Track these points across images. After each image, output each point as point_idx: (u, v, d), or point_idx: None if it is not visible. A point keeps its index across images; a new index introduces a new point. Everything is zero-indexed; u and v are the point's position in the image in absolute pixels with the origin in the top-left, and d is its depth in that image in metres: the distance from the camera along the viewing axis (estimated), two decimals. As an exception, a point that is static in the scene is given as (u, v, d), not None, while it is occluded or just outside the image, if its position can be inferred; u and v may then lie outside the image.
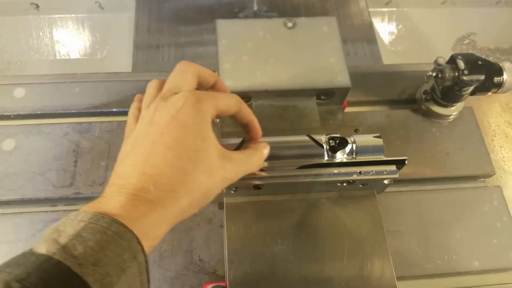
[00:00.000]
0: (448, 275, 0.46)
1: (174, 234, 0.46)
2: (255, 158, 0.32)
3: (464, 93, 0.51)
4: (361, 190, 0.38)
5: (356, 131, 0.38)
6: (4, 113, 0.51)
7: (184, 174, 0.26)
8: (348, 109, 0.52)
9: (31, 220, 0.45)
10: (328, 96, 0.45)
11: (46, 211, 0.46)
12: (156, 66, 0.78)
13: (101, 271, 0.21)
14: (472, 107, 0.58)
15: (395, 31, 1.06)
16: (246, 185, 0.35)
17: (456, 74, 0.49)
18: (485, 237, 0.48)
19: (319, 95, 0.44)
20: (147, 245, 0.24)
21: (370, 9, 0.90)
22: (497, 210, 0.50)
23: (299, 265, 0.35)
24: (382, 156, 0.36)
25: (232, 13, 0.82)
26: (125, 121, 0.53)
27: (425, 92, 0.56)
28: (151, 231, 0.25)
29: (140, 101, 0.33)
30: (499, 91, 0.52)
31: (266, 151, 0.33)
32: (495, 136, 0.59)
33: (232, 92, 0.43)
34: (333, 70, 0.43)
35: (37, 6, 0.91)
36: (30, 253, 0.21)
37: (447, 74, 0.50)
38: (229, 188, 0.35)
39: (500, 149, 0.58)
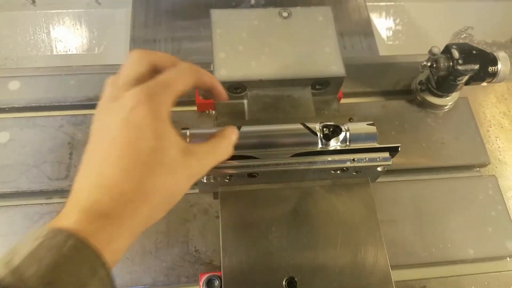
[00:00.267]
0: (443, 264, 0.46)
1: (170, 226, 0.46)
2: (222, 147, 0.31)
3: (458, 82, 0.51)
4: (354, 178, 0.38)
5: (350, 120, 0.38)
6: (-1, 106, 0.51)
7: (140, 181, 0.24)
8: (343, 100, 0.52)
9: (26, 213, 0.45)
10: (323, 85, 0.45)
11: (41, 204, 0.46)
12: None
13: None
14: (467, 97, 0.58)
15: (393, 25, 1.06)
16: (240, 173, 0.35)
17: (451, 63, 0.49)
18: (480, 226, 0.48)
19: (314, 84, 0.44)
20: (110, 258, 0.23)
21: (367, 3, 0.90)
22: (492, 199, 0.50)
23: (293, 252, 0.35)
24: (375, 144, 0.36)
25: (229, 8, 0.82)
26: None
27: (420, 83, 0.56)
28: (112, 244, 0.23)
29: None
30: (493, 80, 0.52)
31: (234, 136, 0.32)
32: (491, 127, 0.59)
33: (227, 82, 0.44)
34: (327, 60, 0.43)
35: (34, 2, 0.90)
36: None
37: (441, 64, 0.50)
38: (223, 176, 0.35)
39: (496, 140, 0.58)
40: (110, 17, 0.93)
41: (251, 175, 0.35)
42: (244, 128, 0.36)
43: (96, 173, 0.25)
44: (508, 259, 0.48)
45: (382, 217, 0.45)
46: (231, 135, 0.32)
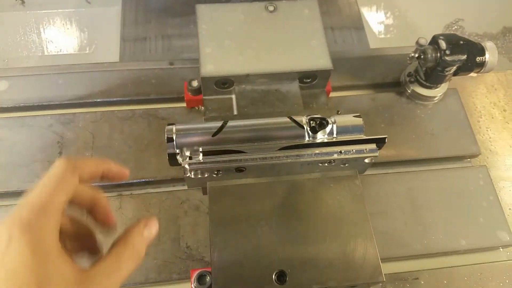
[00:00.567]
0: (436, 255, 0.46)
1: (161, 223, 0.46)
2: (129, 259, 0.25)
3: (447, 73, 0.51)
4: (343, 170, 0.38)
5: (338, 112, 0.38)
6: (-13, 107, 0.51)
7: None
8: (333, 94, 0.52)
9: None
10: (311, 79, 0.45)
11: (32, 204, 0.46)
12: (143, 57, 0.77)
13: None
14: (456, 88, 0.58)
15: (384, 19, 1.05)
16: (228, 168, 0.35)
17: (438, 54, 0.49)
18: (472, 217, 0.48)
19: (302, 78, 0.44)
20: None
21: (358, -3, 0.89)
22: (483, 189, 0.50)
23: (282, 246, 0.35)
24: (362, 136, 0.36)
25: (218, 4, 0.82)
26: (109, 111, 0.54)
27: (409, 75, 0.56)
28: None
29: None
30: (481, 70, 0.52)
31: (147, 235, 0.26)
32: (481, 117, 0.59)
33: (214, 77, 0.43)
34: (314, 53, 0.43)
35: (23, 2, 0.89)
36: None
37: (429, 55, 0.50)
38: (211, 171, 0.35)
39: (486, 130, 0.58)
40: (100, 16, 0.92)
41: (239, 170, 0.35)
42: (231, 123, 0.35)
43: None
44: (501, 249, 0.48)
45: (373, 209, 0.46)
46: (140, 239, 0.26)
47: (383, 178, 0.50)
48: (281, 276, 0.34)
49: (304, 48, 0.44)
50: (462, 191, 0.50)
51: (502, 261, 0.47)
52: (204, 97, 0.45)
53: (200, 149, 0.34)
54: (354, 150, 0.35)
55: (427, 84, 0.54)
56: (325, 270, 0.34)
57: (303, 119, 0.36)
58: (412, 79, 0.55)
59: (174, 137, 0.34)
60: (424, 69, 0.53)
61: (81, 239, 0.27)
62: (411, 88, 0.55)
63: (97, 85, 0.53)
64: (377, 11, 1.04)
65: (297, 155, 0.35)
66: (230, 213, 0.36)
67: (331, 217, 0.36)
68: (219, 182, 0.37)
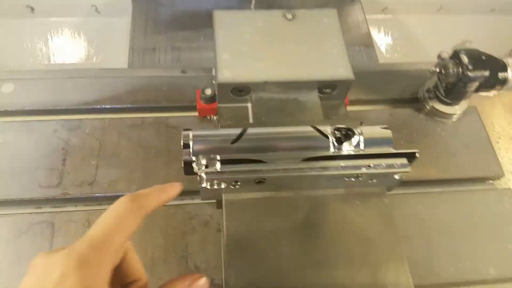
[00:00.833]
0: (464, 284, 0.43)
1: (168, 239, 0.43)
2: None
3: (468, 89, 0.49)
4: (370, 187, 0.35)
5: (361, 124, 0.36)
6: (-9, 109, 0.49)
7: None
8: (349, 108, 0.50)
9: (14, 222, 0.42)
10: (331, 89, 0.43)
11: (31, 213, 0.43)
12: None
13: None
14: (476, 106, 0.56)
15: (391, 38, 1.06)
16: (246, 178, 0.32)
17: (460, 69, 0.48)
18: (499, 243, 0.45)
19: (321, 88, 0.42)
20: None
21: (366, 16, 0.90)
22: (510, 213, 0.47)
23: (305, 269, 0.32)
24: (391, 149, 0.34)
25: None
26: (118, 118, 0.51)
27: (428, 90, 0.54)
28: None
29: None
30: (503, 88, 0.50)
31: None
32: (500, 138, 0.57)
33: (231, 84, 0.41)
34: (335, 62, 0.42)
35: (32, 9, 0.89)
36: None
37: (450, 70, 0.48)
38: (228, 182, 0.33)
39: (506, 152, 0.56)
40: (109, 26, 0.91)
41: (258, 181, 0.33)
42: (251, 130, 0.33)
43: None
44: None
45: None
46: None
47: (403, 198, 0.48)
48: (302, 303, 0.31)
49: (324, 57, 0.42)
50: (488, 215, 0.47)
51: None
52: (219, 105, 0.43)
53: (218, 157, 0.32)
54: (384, 165, 0.33)
55: (447, 100, 0.52)
56: (351, 297, 0.31)
57: (328, 129, 0.34)
58: (432, 95, 0.54)
59: (191, 143, 0.32)
60: (444, 84, 0.52)
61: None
62: (430, 104, 0.54)
63: (106, 90, 0.50)
64: (384, 31, 1.04)
65: (322, 168, 0.32)
66: (247, 230, 0.33)
67: (358, 238, 0.33)
68: (235, 195, 0.34)
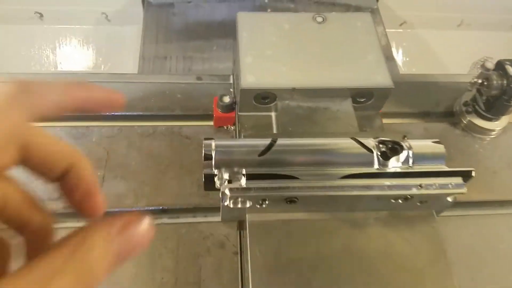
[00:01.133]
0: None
1: (179, 262, 0.38)
2: (68, 277, 0.13)
3: (513, 103, 0.45)
4: (417, 210, 0.30)
5: (404, 137, 0.31)
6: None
7: None
8: (379, 120, 0.46)
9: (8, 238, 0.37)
10: (366, 98, 0.38)
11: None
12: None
13: None
14: (515, 122, 0.51)
15: (410, 53, 1.03)
16: (276, 197, 0.27)
17: (505, 81, 0.43)
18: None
19: (355, 97, 0.38)
20: None
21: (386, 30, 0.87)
22: None
23: (342, 304, 0.27)
24: (444, 166, 0.29)
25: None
26: (128, 126, 0.47)
27: (465, 104, 0.50)
28: None
29: None
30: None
31: (122, 246, 0.15)
32: (540, 158, 0.52)
33: (254, 90, 0.37)
34: (371, 68, 0.37)
35: (41, 16, 0.87)
36: None
37: (494, 82, 0.44)
38: (254, 201, 0.28)
39: (548, 172, 0.50)
40: (119, 34, 0.89)
41: (290, 200, 0.28)
42: (282, 141, 0.29)
43: None
44: None
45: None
46: (110, 240, 0.15)
47: (441, 221, 0.42)
48: None
49: (359, 62, 0.38)
50: (537, 242, 0.42)
51: None
52: (239, 113, 0.39)
53: (243, 171, 0.27)
54: (437, 184, 0.28)
55: (487, 115, 0.48)
56: None
57: (371, 142, 0.29)
58: (470, 109, 0.49)
59: (213, 154, 0.27)
60: (484, 97, 0.47)
61: None
62: (468, 118, 0.49)
63: (115, 96, 0.47)
64: (403, 45, 1.02)
65: (365, 187, 0.28)
66: (275, 257, 0.28)
67: (403, 269, 0.28)
68: (261, 215, 0.29)
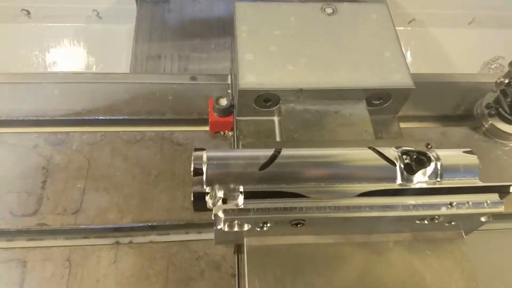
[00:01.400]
0: None
1: (168, 286, 0.33)
2: None
3: (544, 105, 0.40)
4: (444, 230, 0.26)
5: (428, 146, 0.27)
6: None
7: None
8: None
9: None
10: (382, 100, 0.34)
11: (-1, 248, 0.34)
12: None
13: None
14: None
15: (419, 52, 0.99)
16: (280, 219, 0.23)
17: (534, 82, 0.39)
18: None
19: (371, 99, 0.34)
20: None
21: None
22: None
23: None
24: (477, 181, 0.25)
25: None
26: (113, 132, 0.43)
27: (488, 106, 0.45)
28: None
29: None
30: None
31: None
32: None
33: (255, 90, 0.33)
34: (388, 66, 0.33)
35: (29, 13, 0.83)
36: None
37: (523, 82, 0.39)
38: (255, 223, 0.23)
39: None
40: (111, 32, 0.85)
41: (296, 223, 0.23)
42: (286, 152, 0.24)
43: None
44: None
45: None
46: None
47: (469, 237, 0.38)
48: None
49: (375, 60, 0.33)
50: None
51: None
52: (237, 118, 0.35)
53: (241, 189, 0.23)
54: (470, 203, 0.24)
55: (512, 118, 0.43)
56: None
57: (392, 152, 0.24)
58: (493, 112, 0.44)
59: (204, 169, 0.23)
60: (510, 99, 0.43)
61: None
62: (490, 122, 0.45)
63: (100, 99, 0.43)
64: (412, 44, 0.98)
65: (386, 206, 0.23)
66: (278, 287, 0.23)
67: (431, 303, 0.24)
68: (262, 239, 0.25)
